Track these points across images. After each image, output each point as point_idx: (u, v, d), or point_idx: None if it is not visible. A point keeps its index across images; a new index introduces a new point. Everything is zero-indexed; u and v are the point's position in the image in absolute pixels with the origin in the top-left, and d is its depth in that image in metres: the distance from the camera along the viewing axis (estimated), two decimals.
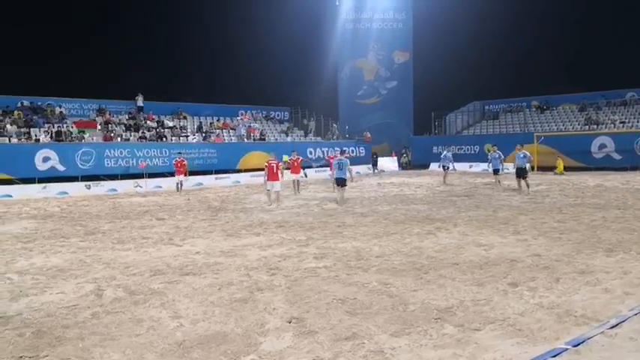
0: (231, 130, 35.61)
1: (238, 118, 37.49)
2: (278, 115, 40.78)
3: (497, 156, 22.07)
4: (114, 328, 5.59)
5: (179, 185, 24.53)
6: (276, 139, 36.59)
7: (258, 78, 43.25)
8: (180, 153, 26.71)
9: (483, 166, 34.67)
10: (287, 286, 7.03)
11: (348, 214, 14.70)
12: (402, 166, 40.71)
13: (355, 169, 27.70)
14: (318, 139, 38.70)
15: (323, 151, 36.09)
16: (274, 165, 17.36)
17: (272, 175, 17.22)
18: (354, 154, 36.12)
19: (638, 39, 44.75)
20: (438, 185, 23.90)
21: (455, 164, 26.16)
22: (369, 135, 39.40)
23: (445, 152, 25.67)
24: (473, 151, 37.27)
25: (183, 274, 7.93)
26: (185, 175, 25.03)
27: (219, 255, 9.29)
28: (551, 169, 30.62)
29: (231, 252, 9.51)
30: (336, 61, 44.62)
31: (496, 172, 21.71)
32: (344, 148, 26.65)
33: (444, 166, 25.36)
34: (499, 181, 21.69)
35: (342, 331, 5.24)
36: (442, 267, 7.89)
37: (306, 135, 38.22)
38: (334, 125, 39.93)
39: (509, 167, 23.55)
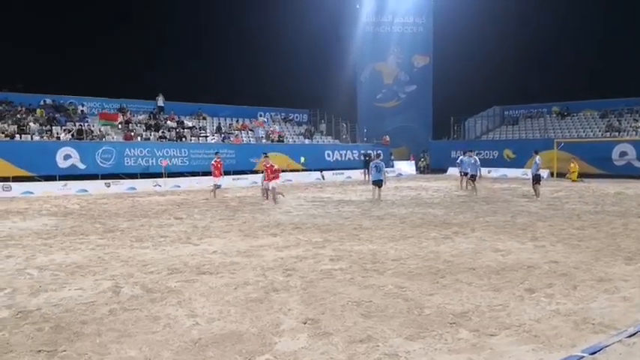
0: (249, 132, 35.77)
1: (260, 119, 37.67)
2: (297, 117, 40.94)
3: (472, 161, 22.59)
4: (130, 325, 5.65)
5: (215, 188, 21.68)
6: (295, 141, 36.70)
7: (277, 80, 43.43)
8: (217, 152, 24.21)
9: (503, 171, 34.66)
10: (302, 287, 7.06)
11: (364, 216, 14.70)
12: (420, 170, 40.57)
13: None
14: (337, 141, 38.75)
15: (341, 154, 36.12)
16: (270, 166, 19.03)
17: (268, 175, 19.06)
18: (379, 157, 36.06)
19: None
20: (456, 190, 23.78)
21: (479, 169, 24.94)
22: (387, 138, 39.34)
23: (462, 157, 25.01)
24: (492, 156, 37.04)
25: (200, 273, 7.99)
26: (221, 176, 22.26)
27: (235, 255, 9.34)
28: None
29: (248, 252, 9.56)
30: (356, 64, 44.59)
31: (473, 177, 22.34)
32: (378, 152, 26.62)
33: (464, 172, 23.66)
34: (472, 186, 22.19)
35: (357, 334, 5.25)
36: (458, 272, 7.86)
37: (311, 136, 38.11)
38: (344, 125, 39.84)
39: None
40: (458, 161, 25.38)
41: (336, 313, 5.92)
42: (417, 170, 40.23)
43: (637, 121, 36.00)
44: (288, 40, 42.78)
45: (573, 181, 29.40)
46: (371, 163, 20.07)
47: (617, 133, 35.03)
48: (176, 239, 11.19)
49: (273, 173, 19.00)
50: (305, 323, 5.60)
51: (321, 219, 14.26)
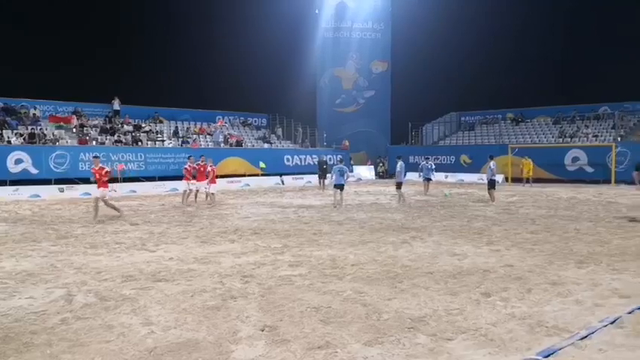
0: (208, 136, 35.43)
1: (216, 124, 37.35)
2: (256, 122, 40.72)
3: (429, 166, 24.63)
4: (83, 335, 5.49)
5: (208, 195, 20.10)
6: (254, 146, 36.53)
7: (236, 84, 43.20)
8: (202, 156, 21.20)
9: (460, 176, 35.22)
10: (261, 294, 6.99)
11: (324, 221, 14.70)
12: (379, 175, 40.87)
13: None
14: (296, 146, 38.74)
15: (300, 159, 36.12)
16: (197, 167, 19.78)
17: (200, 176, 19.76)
18: (332, 161, 36.16)
19: (611, 56, 45.71)
20: (415, 195, 24.04)
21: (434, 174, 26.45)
22: (347, 143, 39.54)
23: (424, 162, 25.63)
24: (449, 162, 37.59)
25: (156, 280, 7.84)
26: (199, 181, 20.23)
27: (192, 261, 9.20)
28: (524, 180, 30.85)
29: (205, 259, 9.43)
30: (316, 69, 44.73)
31: (428, 179, 24.44)
32: (340, 156, 26.79)
33: (426, 178, 25.10)
34: (427, 189, 23.84)
35: (315, 340, 5.22)
36: (416, 276, 7.92)
37: (265, 140, 37.95)
38: (299, 129, 39.83)
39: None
40: (420, 167, 25.86)
41: (294, 319, 5.89)
42: (376, 175, 40.52)
43: (588, 127, 37.08)
44: (247, 43, 42.64)
45: (527, 178, 30.12)
46: (334, 167, 20.32)
47: (569, 139, 36.00)
48: (131, 246, 10.97)
49: (203, 173, 19.83)
50: (263, 330, 5.54)
51: (281, 224, 14.20)
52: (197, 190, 20.16)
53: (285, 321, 5.83)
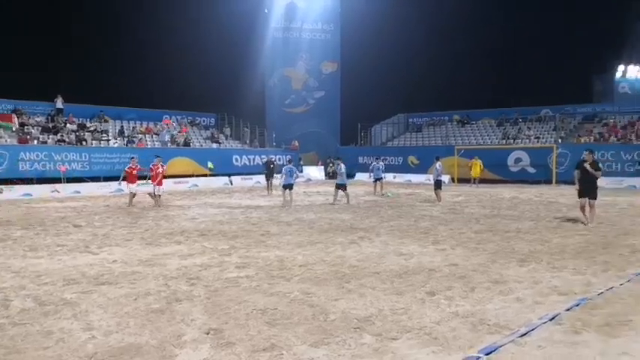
0: (154, 135, 34.81)
1: (162, 123, 36.74)
2: (204, 121, 40.28)
3: (379, 166, 24.74)
4: (20, 341, 5.29)
5: (154, 194, 19.60)
6: (202, 145, 36.11)
7: (184, 83, 42.66)
8: (158, 157, 20.60)
9: (407, 176, 35.71)
10: (206, 296, 6.90)
11: (273, 222, 14.65)
12: (329, 176, 41.00)
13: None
14: (245, 146, 38.50)
15: (249, 159, 35.93)
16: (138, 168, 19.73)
17: (153, 178, 19.56)
18: (281, 162, 36.09)
19: (551, 61, 47.28)
20: (364, 195, 24.24)
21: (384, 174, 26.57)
22: (296, 144, 39.59)
23: (375, 163, 25.66)
24: (397, 162, 38.09)
25: (99, 283, 7.64)
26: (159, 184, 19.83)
27: (137, 264, 9.01)
28: (470, 181, 31.51)
29: (150, 261, 9.25)
30: (265, 69, 44.58)
31: (379, 179, 24.51)
32: (290, 157, 26.69)
33: (377, 178, 24.93)
34: (380, 189, 24.05)
35: (261, 342, 5.18)
36: (363, 276, 7.97)
37: (213, 140, 37.58)
38: (246, 130, 39.60)
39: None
40: (371, 167, 25.89)
41: (240, 322, 5.82)
42: (325, 175, 40.63)
43: (530, 129, 38.21)
44: (195, 42, 42.21)
45: (475, 178, 30.81)
46: (283, 168, 20.60)
47: (512, 141, 37.01)
48: (74, 248, 10.66)
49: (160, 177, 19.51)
50: (208, 333, 5.46)
51: (228, 225, 14.06)
52: (156, 193, 19.58)
53: (230, 323, 5.77)
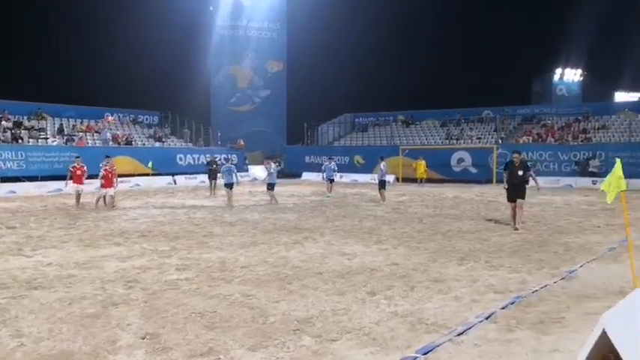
0: (95, 134, 33.86)
1: (103, 121, 35.77)
2: (147, 119, 39.44)
3: (331, 167, 23.86)
4: None
5: (106, 197, 18.63)
6: (144, 144, 35.36)
7: (126, 80, 41.56)
8: (108, 157, 19.67)
9: (354, 176, 35.90)
10: (144, 299, 6.73)
11: (216, 223, 14.46)
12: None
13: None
14: (190, 145, 37.93)
15: (194, 158, 35.42)
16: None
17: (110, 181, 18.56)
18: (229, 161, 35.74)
19: (493, 63, 48.57)
20: (310, 195, 24.25)
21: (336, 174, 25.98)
22: (242, 142, 39.25)
23: (327, 163, 25.18)
24: (343, 162, 38.21)
25: (31, 287, 7.34)
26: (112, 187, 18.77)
27: (73, 267, 8.71)
28: (416, 180, 31.97)
29: (87, 263, 8.96)
30: (210, 67, 44.07)
31: (331, 180, 23.48)
32: (228, 156, 26.27)
33: (329, 179, 23.83)
34: (330, 188, 23.26)
35: (198, 347, 5.08)
36: (306, 277, 7.95)
37: (156, 138, 36.85)
38: (186, 130, 39.00)
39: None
40: (323, 167, 25.39)
41: (177, 326, 5.70)
42: None
43: (472, 130, 39.10)
44: (138, 39, 41.23)
45: (420, 178, 31.31)
46: (223, 167, 20.49)
47: (455, 141, 37.79)
48: (6, 251, 10.23)
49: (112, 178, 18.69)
50: (144, 338, 5.32)
51: (170, 226, 13.80)
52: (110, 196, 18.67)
53: (167, 328, 5.64)
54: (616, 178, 6.57)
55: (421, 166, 31.81)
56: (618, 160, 6.93)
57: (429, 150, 35.44)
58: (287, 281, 7.69)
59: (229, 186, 19.50)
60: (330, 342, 5.23)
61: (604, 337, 3.93)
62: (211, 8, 42.96)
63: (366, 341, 5.25)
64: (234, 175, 19.83)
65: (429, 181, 32.45)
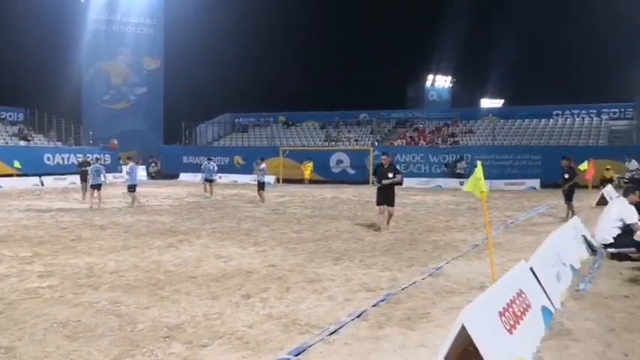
0: None
1: None
2: (10, 116, 36.75)
3: (211, 167, 23.67)
4: None
5: None
6: (7, 143, 32.90)
7: None
8: None
9: (233, 177, 35.58)
10: (0, 310, 6.22)
11: (85, 226, 13.72)
12: (151, 176, 39.59)
13: None
14: (59, 144, 35.80)
15: (63, 158, 33.48)
16: None
17: None
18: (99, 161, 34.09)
19: (369, 68, 50.23)
20: (187, 196, 23.72)
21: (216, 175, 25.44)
22: (115, 142, 37.64)
23: (206, 163, 24.61)
24: (223, 163, 37.79)
25: None
26: None
27: None
28: (299, 182, 32.28)
29: None
30: (82, 62, 41.89)
31: (211, 181, 23.30)
32: (98, 156, 24.91)
33: (207, 179, 23.53)
34: (211, 191, 23.07)
35: (58, 359, 4.77)
36: (179, 281, 7.73)
37: (21, 136, 34.52)
38: (53, 134, 36.85)
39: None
40: (202, 167, 24.79)
41: (36, 337, 5.32)
42: (148, 175, 39.14)
43: (350, 132, 40.18)
44: (1, 30, 38.29)
45: (308, 179, 31.70)
46: (90, 167, 19.89)
47: (334, 143, 38.63)
48: None
49: None
50: None
51: (34, 230, 12.90)
52: None
53: (25, 340, 5.24)
54: (476, 180, 6.97)
55: (308, 167, 32.33)
56: (479, 163, 7.37)
57: (309, 151, 35.99)
58: (159, 286, 7.43)
59: (97, 187, 18.98)
60: (200, 348, 5.11)
61: (463, 332, 4.17)
62: (82, 0, 40.83)
63: (239, 345, 5.18)
64: (102, 175, 19.40)
65: (311, 182, 32.95)
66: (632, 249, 9.13)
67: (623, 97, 38.69)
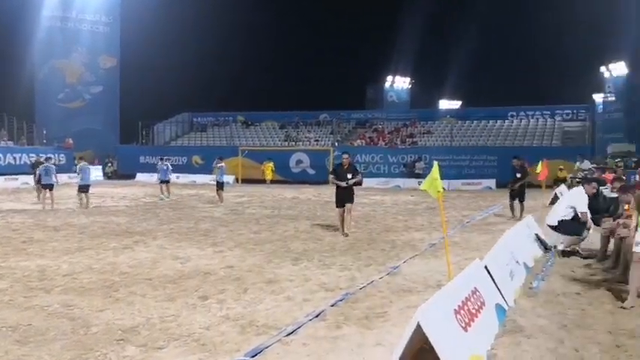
0: None
1: None
2: None
3: (165, 168, 23.04)
4: None
5: None
6: None
7: None
8: None
9: (192, 177, 35.18)
10: None
11: (38, 228, 13.35)
12: (107, 176, 38.82)
13: None
14: (10, 143, 34.76)
15: (15, 157, 32.57)
16: None
17: None
18: (52, 161, 33.19)
19: (329, 69, 50.38)
20: (143, 197, 23.35)
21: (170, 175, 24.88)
22: (70, 141, 36.76)
23: (160, 163, 24.08)
24: (181, 162, 37.38)
25: None
26: None
27: None
28: (258, 182, 32.08)
29: None
30: (35, 60, 40.81)
31: (166, 182, 22.70)
32: (49, 156, 24.14)
33: (163, 181, 22.86)
34: (168, 191, 22.52)
35: None
36: (134, 283, 7.59)
37: None
38: (4, 133, 35.73)
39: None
40: (157, 168, 24.27)
41: None
42: (104, 176, 38.37)
43: (310, 132, 40.21)
44: None
45: (271, 180, 31.59)
46: (41, 167, 19.56)
47: (294, 143, 38.60)
48: None
49: None
50: None
51: None
52: None
53: None
54: (432, 180, 7.06)
55: (268, 167, 32.19)
56: (436, 163, 7.47)
57: (269, 151, 35.88)
58: (113, 289, 7.29)
59: (49, 187, 18.65)
60: (155, 350, 5.03)
61: (419, 330, 4.21)
62: None
63: (195, 347, 5.12)
64: (53, 175, 18.98)
65: (272, 182, 32.83)
66: (574, 237, 9.48)
67: (576, 99, 39.86)
